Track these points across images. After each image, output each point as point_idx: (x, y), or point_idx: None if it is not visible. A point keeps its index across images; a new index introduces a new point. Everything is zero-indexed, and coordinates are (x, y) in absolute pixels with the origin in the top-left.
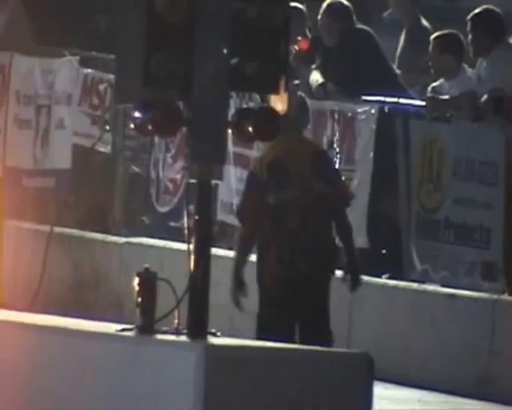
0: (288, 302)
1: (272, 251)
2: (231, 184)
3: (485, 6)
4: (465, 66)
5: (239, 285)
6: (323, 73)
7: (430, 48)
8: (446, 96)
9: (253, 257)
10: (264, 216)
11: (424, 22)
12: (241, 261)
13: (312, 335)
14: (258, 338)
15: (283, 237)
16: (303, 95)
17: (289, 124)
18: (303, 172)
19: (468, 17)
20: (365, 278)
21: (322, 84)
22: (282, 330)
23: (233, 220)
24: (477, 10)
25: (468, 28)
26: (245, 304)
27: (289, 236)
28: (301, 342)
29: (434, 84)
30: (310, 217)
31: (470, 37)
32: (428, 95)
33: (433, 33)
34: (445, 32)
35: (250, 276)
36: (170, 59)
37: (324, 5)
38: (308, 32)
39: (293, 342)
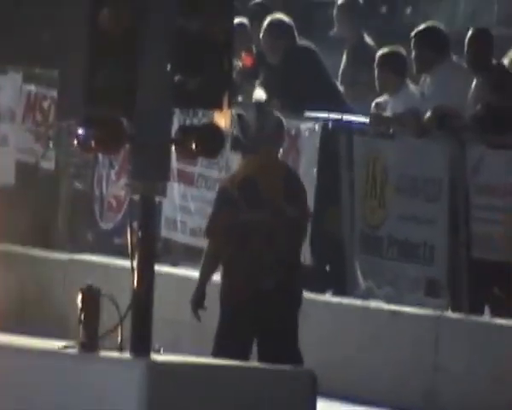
0: (248, 321)
1: (236, 269)
2: (175, 200)
3: (429, 22)
4: (408, 82)
5: (200, 300)
6: (267, 90)
7: (375, 65)
8: (390, 113)
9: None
10: (233, 235)
11: (367, 40)
12: (205, 277)
13: (277, 355)
14: (214, 356)
15: (248, 257)
16: (279, 115)
17: (263, 143)
18: (274, 194)
19: (412, 34)
20: (309, 294)
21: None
22: (238, 349)
23: (176, 237)
24: (421, 27)
25: (412, 45)
26: (201, 317)
27: (254, 255)
28: (263, 360)
29: (378, 100)
30: (277, 238)
31: (414, 53)
32: (372, 111)
33: (376, 50)
34: (389, 49)
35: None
36: (112, 75)
37: (266, 23)
38: (254, 48)
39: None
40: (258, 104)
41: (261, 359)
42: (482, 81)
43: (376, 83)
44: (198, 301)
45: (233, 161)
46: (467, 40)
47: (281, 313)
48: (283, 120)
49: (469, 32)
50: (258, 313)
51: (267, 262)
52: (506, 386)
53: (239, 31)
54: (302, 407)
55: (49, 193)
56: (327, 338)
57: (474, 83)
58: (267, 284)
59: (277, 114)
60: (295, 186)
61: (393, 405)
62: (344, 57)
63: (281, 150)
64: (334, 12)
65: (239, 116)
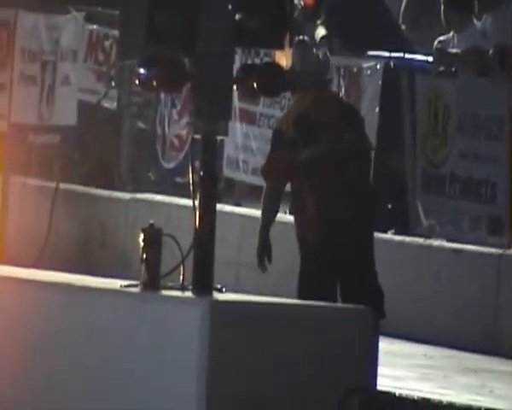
0: (330, 255)
1: (309, 207)
2: (237, 140)
3: None
4: (474, 20)
5: (264, 246)
6: (329, 29)
7: (442, 1)
8: (454, 50)
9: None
10: (295, 173)
11: None
12: (267, 220)
13: (361, 288)
14: (300, 296)
15: (319, 191)
16: (327, 51)
17: (313, 78)
18: (332, 124)
19: None
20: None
21: (324, 37)
22: (325, 286)
23: (238, 176)
24: None
25: None
26: (268, 266)
27: (325, 188)
28: (345, 297)
29: (441, 38)
30: (343, 167)
31: None
32: (436, 47)
33: None
34: None
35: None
36: (174, 14)
37: None
38: None
39: (334, 298)
40: (300, 43)
41: (343, 295)
42: None
43: (442, 20)
44: (263, 250)
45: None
46: None
47: (360, 244)
48: (326, 56)
49: None
50: (338, 246)
51: (339, 192)
52: None
53: None
54: (364, 344)
55: (112, 133)
56: (389, 276)
57: None
58: (344, 214)
59: (325, 49)
60: (353, 115)
61: (455, 344)
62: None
63: (332, 86)
64: None
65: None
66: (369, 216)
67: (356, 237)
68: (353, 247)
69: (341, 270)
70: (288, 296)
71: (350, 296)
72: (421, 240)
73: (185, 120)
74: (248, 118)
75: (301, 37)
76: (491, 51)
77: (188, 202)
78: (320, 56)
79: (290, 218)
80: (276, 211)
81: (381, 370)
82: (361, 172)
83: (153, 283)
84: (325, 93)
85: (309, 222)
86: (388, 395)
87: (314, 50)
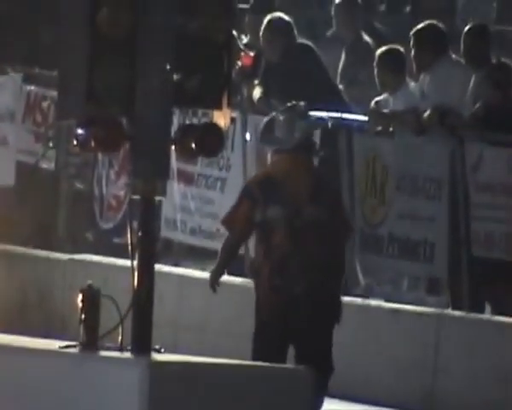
0: (278, 327)
1: (264, 273)
2: (175, 200)
3: (428, 21)
4: (408, 81)
5: (216, 279)
6: (266, 88)
7: (375, 64)
8: (389, 111)
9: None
10: (255, 232)
11: (366, 38)
12: (223, 262)
13: (308, 361)
14: (254, 358)
15: (274, 260)
16: (314, 127)
17: (296, 144)
18: (299, 194)
19: (412, 32)
20: None
21: (261, 98)
22: (273, 353)
23: (176, 236)
24: (420, 25)
25: (411, 43)
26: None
27: (280, 259)
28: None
29: (378, 98)
30: (303, 241)
31: (413, 52)
32: (371, 109)
33: (374, 48)
34: (388, 48)
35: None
36: (112, 75)
37: (266, 20)
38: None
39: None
40: (294, 108)
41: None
42: (481, 78)
43: (376, 81)
44: (214, 282)
45: (233, 159)
46: (463, 35)
47: (313, 318)
48: (312, 131)
49: (466, 28)
50: (287, 317)
51: (292, 263)
52: (508, 385)
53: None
54: (303, 405)
55: (49, 193)
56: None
57: (472, 80)
58: (295, 285)
59: (308, 124)
60: (326, 193)
61: (393, 404)
62: (343, 56)
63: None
64: (333, 11)
65: (271, 119)
66: (330, 293)
67: (308, 310)
68: (304, 320)
69: (292, 338)
70: (225, 357)
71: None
72: (359, 300)
73: (123, 180)
74: (186, 178)
75: (293, 103)
76: (428, 111)
77: (125, 262)
78: (306, 125)
79: (231, 279)
80: (233, 258)
81: None
82: (326, 249)
83: (91, 343)
84: (300, 163)
85: (262, 290)
86: None
87: (300, 120)
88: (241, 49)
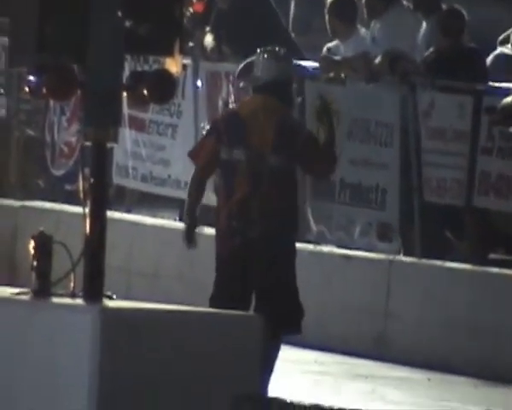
0: (237, 270)
1: (222, 215)
2: (126, 147)
3: None
4: (359, 27)
5: (192, 222)
6: (217, 35)
7: (325, 11)
8: (340, 57)
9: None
10: (218, 168)
11: None
12: (193, 200)
13: (274, 305)
14: (211, 304)
15: (233, 201)
16: (291, 69)
17: (268, 84)
18: (264, 138)
19: None
20: None
21: (212, 44)
22: (235, 297)
23: (128, 183)
24: None
25: None
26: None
27: (239, 200)
28: (261, 311)
29: (329, 45)
30: (262, 185)
31: None
32: (322, 55)
33: None
34: None
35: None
36: (64, 22)
37: None
38: None
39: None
40: (275, 52)
41: (259, 309)
42: (432, 24)
43: (328, 28)
44: (190, 228)
45: (185, 106)
46: None
47: (270, 263)
48: (292, 78)
49: None
50: (246, 262)
51: (252, 207)
52: (456, 331)
53: None
54: (255, 351)
55: (1, 141)
56: None
57: (423, 27)
58: (252, 230)
59: (289, 69)
60: (289, 139)
61: (345, 349)
62: (292, 4)
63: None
64: None
65: (252, 60)
66: (286, 235)
67: (264, 256)
68: (263, 266)
69: (256, 285)
70: (177, 303)
71: (265, 311)
72: (311, 246)
73: (74, 127)
74: (138, 125)
75: (274, 47)
76: (380, 57)
77: (77, 209)
78: (286, 68)
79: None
80: (201, 194)
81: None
82: (281, 195)
83: (43, 290)
84: (268, 106)
85: (221, 234)
86: (279, 402)
87: (275, 60)
88: None
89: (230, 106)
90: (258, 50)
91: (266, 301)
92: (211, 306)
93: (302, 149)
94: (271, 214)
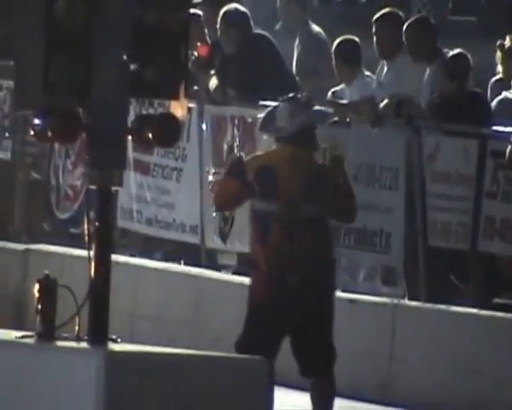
0: (271, 316)
1: (259, 262)
2: (131, 190)
3: (387, 9)
4: (365, 71)
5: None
6: (222, 79)
7: (332, 55)
8: (346, 101)
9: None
10: (250, 224)
11: (315, 27)
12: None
13: (310, 350)
14: (239, 350)
15: (269, 251)
16: (312, 118)
17: (294, 135)
18: (291, 189)
19: (374, 19)
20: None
21: (217, 88)
22: (263, 346)
23: (132, 226)
24: (381, 12)
25: (374, 30)
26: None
27: (276, 248)
28: (299, 359)
29: (335, 88)
30: (296, 234)
31: (375, 39)
32: (328, 99)
33: (325, 38)
34: (343, 38)
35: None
36: (69, 65)
37: (222, 12)
38: (208, 39)
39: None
40: (297, 98)
41: (295, 353)
42: (437, 68)
43: (335, 71)
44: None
45: (189, 149)
46: (404, 29)
47: (308, 308)
48: (315, 124)
49: (406, 23)
50: (281, 308)
51: (287, 257)
52: (463, 376)
53: (193, 21)
54: (260, 395)
55: (6, 183)
56: None
57: (428, 71)
58: (289, 278)
59: (311, 116)
60: (319, 186)
61: (350, 394)
62: (296, 48)
63: (314, 153)
64: (278, 4)
65: (274, 108)
66: (324, 282)
67: (302, 301)
68: (299, 311)
69: (289, 330)
70: (182, 347)
71: (300, 355)
72: None
73: (79, 170)
74: (142, 168)
75: (294, 94)
76: (385, 101)
77: (82, 252)
78: (309, 116)
79: (187, 269)
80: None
81: None
82: (317, 243)
83: (48, 333)
84: (297, 155)
85: (258, 281)
86: None
87: (302, 110)
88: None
89: (253, 154)
90: (280, 99)
91: (303, 348)
92: (238, 352)
93: (331, 195)
94: (308, 262)
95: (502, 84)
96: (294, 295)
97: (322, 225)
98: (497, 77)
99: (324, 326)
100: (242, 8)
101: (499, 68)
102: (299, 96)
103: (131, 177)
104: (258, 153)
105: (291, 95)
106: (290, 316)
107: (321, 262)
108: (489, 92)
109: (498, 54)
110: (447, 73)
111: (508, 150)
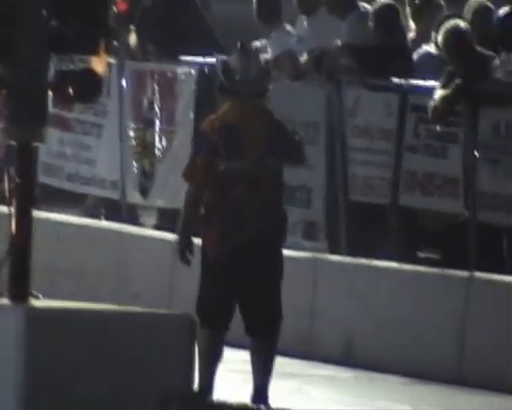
0: (228, 275)
1: (215, 224)
2: (51, 146)
3: None
4: (285, 25)
5: (186, 242)
6: (142, 34)
7: (253, 8)
8: (268, 56)
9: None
10: (211, 180)
11: None
12: (188, 218)
13: (257, 309)
14: (197, 308)
15: (226, 208)
16: (267, 60)
17: (247, 86)
18: (256, 143)
19: None
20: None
21: (137, 44)
22: (220, 302)
23: (54, 182)
24: None
25: None
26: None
27: (233, 206)
28: (244, 315)
29: (257, 43)
30: (258, 189)
31: None
32: None
33: None
34: None
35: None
36: None
37: None
38: None
39: (229, 313)
40: (243, 49)
41: (242, 311)
42: (349, 25)
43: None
44: (184, 247)
45: (110, 105)
46: None
47: (263, 265)
48: (267, 66)
49: None
50: (238, 265)
51: (248, 213)
52: (384, 329)
53: None
54: (182, 351)
55: None
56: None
57: (347, 25)
58: (248, 235)
59: (263, 60)
60: (278, 135)
61: None
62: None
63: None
64: None
65: (223, 61)
66: (278, 241)
67: (261, 260)
68: (256, 269)
69: (241, 288)
70: (102, 302)
71: (247, 313)
72: None
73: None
74: (63, 124)
75: (243, 43)
76: (305, 55)
77: (3, 208)
78: (259, 67)
79: (107, 225)
80: (196, 214)
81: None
82: (274, 197)
83: None
84: (255, 107)
85: (212, 240)
86: (205, 400)
87: (255, 59)
88: None
89: (212, 116)
90: (233, 51)
91: (250, 304)
92: (198, 309)
93: (287, 146)
94: (268, 214)
95: (417, 43)
96: (248, 252)
97: (280, 176)
98: (411, 35)
99: (274, 285)
100: None
101: (412, 26)
102: (249, 45)
103: (52, 133)
104: (217, 113)
105: (239, 46)
106: (243, 273)
107: (278, 214)
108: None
109: (408, 9)
110: (364, 26)
111: (429, 105)
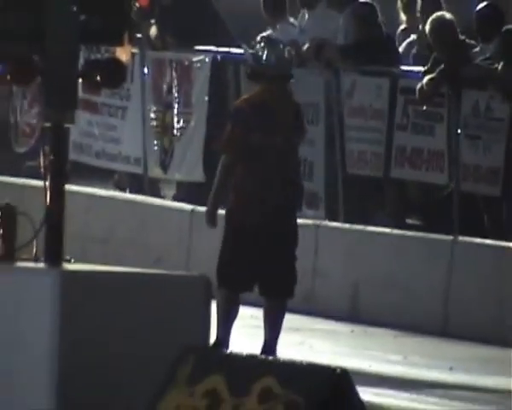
0: (253, 238)
1: (244, 190)
2: (81, 127)
3: None
4: (288, 17)
5: (216, 207)
6: (161, 27)
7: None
8: None
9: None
10: (245, 153)
11: None
12: (221, 187)
13: (277, 272)
14: (218, 270)
15: (257, 178)
16: (292, 51)
17: (275, 74)
18: (285, 123)
19: None
20: (200, 208)
21: (156, 35)
22: (240, 264)
23: (83, 159)
24: None
25: None
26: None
27: (263, 177)
28: (263, 277)
29: (263, 34)
30: (284, 162)
31: None
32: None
33: None
34: None
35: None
36: (23, 15)
37: None
38: None
39: (251, 279)
40: (269, 39)
41: (261, 273)
42: (346, 18)
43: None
44: (214, 211)
45: (133, 90)
46: None
47: (284, 231)
48: (291, 54)
49: None
50: (263, 230)
51: (275, 183)
52: (379, 288)
53: None
54: (198, 311)
55: None
56: (215, 249)
57: (342, 18)
58: (273, 203)
59: (287, 48)
60: (298, 116)
61: None
62: None
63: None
64: None
65: (252, 51)
66: (296, 206)
67: (283, 221)
68: (278, 234)
69: (263, 252)
70: (128, 266)
71: (266, 276)
72: None
73: (35, 109)
74: (91, 107)
75: (267, 33)
76: (307, 45)
77: (38, 183)
78: (286, 53)
79: (132, 197)
80: (229, 181)
81: (212, 330)
82: (296, 169)
83: (9, 255)
84: (285, 89)
85: (240, 206)
86: (220, 352)
87: (281, 47)
88: None
89: (245, 97)
90: (260, 40)
91: (270, 267)
92: (219, 271)
93: (302, 125)
94: (291, 185)
95: (407, 32)
96: (272, 219)
97: (297, 152)
98: (402, 27)
99: (292, 251)
100: None
101: (403, 18)
102: (267, 35)
103: (81, 115)
104: (249, 95)
105: (263, 35)
106: (267, 237)
107: (298, 186)
108: (397, 42)
109: (399, 4)
110: (356, 19)
111: (418, 87)
